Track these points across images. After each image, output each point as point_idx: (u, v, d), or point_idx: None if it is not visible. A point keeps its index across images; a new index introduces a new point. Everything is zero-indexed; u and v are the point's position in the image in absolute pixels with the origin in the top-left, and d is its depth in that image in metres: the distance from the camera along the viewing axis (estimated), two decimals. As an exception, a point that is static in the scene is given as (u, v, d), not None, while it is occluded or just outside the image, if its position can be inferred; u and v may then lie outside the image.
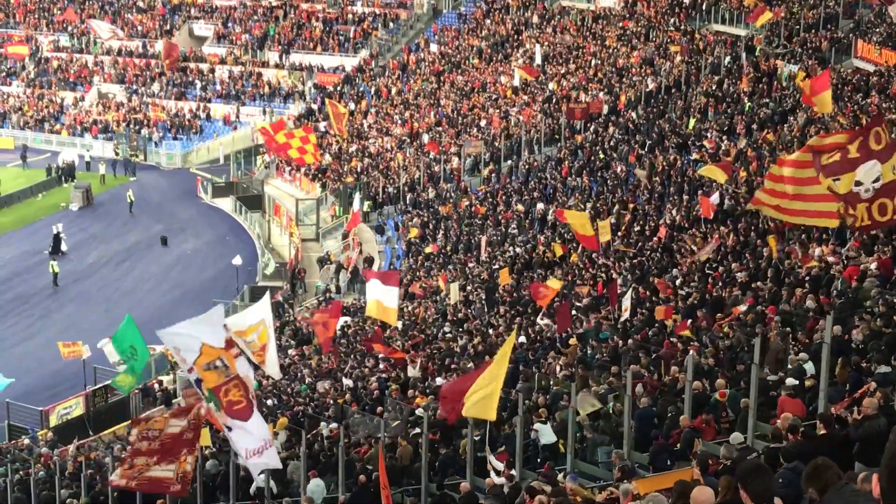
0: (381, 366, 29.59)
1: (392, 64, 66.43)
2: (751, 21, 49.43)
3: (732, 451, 13.46)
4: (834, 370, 15.70)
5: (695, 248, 29.15)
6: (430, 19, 70.95)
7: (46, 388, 37.09)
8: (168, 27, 75.58)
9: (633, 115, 46.62)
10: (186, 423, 13.85)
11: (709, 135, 39.95)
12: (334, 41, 71.44)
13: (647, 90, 48.69)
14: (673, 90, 47.94)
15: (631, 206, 36.38)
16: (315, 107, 64.38)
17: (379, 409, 25.27)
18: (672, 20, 55.93)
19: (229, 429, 13.26)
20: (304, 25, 73.21)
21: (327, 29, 72.43)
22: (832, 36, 44.98)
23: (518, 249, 38.32)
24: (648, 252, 31.22)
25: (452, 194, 47.95)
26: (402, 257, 44.43)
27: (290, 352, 35.47)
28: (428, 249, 42.62)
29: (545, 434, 18.66)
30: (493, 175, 48.34)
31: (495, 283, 34.53)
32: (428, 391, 25.28)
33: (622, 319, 25.54)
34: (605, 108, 48.81)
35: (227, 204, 57.91)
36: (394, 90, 62.85)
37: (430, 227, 45.05)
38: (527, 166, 47.00)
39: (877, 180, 13.78)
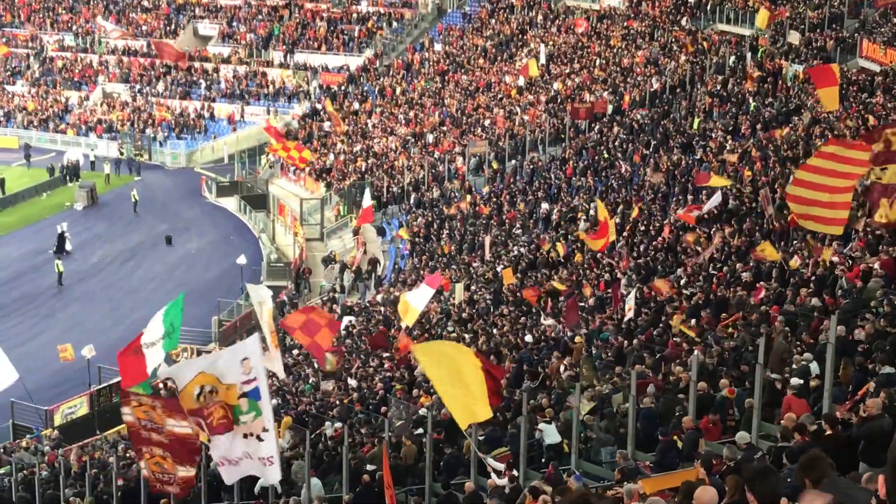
0: (386, 365, 29.58)
1: (396, 63, 66.43)
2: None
3: (736, 451, 13.44)
4: (838, 370, 15.69)
5: (699, 248, 29.13)
6: (434, 19, 70.97)
7: (51, 388, 37.10)
8: (173, 26, 75.61)
9: (638, 114, 46.59)
10: (192, 425, 13.86)
11: (713, 135, 39.93)
12: (339, 41, 71.45)
13: (652, 90, 48.66)
14: (678, 90, 47.91)
15: (636, 206, 36.35)
16: (319, 106, 64.39)
17: (383, 408, 25.26)
18: (683, 19, 55.84)
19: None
20: (309, 25, 73.22)
21: (332, 28, 72.45)
22: (837, 35, 44.92)
23: (522, 249, 38.30)
24: (653, 252, 31.19)
25: (456, 194, 47.94)
26: (407, 257, 44.43)
27: (294, 351, 35.47)
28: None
29: (549, 434, 18.66)
30: (498, 175, 48.33)
31: (501, 283, 34.52)
32: (432, 391, 25.26)
33: (626, 319, 25.51)
34: (610, 108, 48.78)
35: (231, 203, 57.95)
36: (398, 90, 62.86)
37: (435, 226, 45.05)
38: (531, 166, 46.99)
39: None
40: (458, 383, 13.43)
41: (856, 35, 44.13)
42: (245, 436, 13.18)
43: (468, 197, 46.46)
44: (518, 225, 41.60)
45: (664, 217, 34.24)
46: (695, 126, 42.26)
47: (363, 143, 57.58)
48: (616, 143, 44.32)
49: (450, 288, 36.53)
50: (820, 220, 15.48)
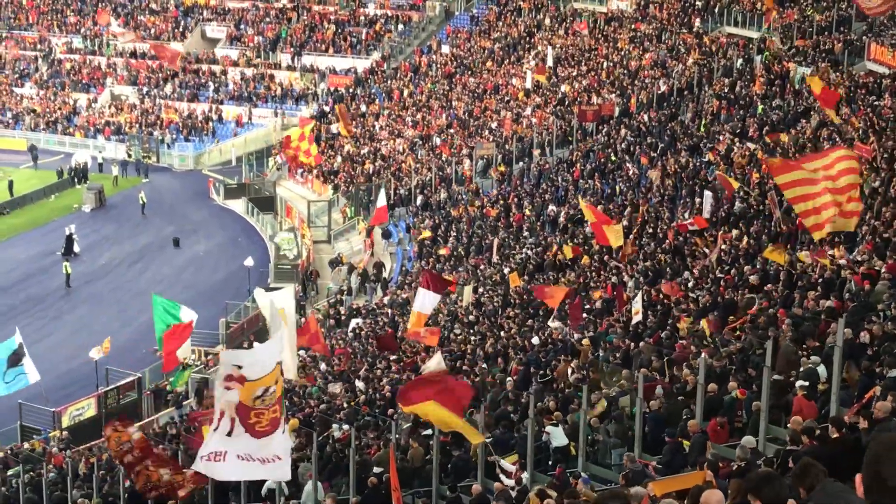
0: (393, 367, 29.62)
1: (404, 66, 66.49)
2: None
3: (747, 452, 13.45)
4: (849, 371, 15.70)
5: (706, 250, 29.13)
6: (442, 21, 70.99)
7: (59, 389, 37.16)
8: (181, 29, 75.76)
9: (645, 117, 46.58)
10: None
11: (721, 137, 39.91)
12: (346, 43, 71.52)
13: (660, 92, 48.64)
14: (685, 92, 47.89)
15: (642, 208, 36.36)
16: (327, 108, 64.45)
17: (390, 410, 25.28)
18: (697, 21, 55.79)
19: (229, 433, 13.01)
20: (317, 27, 73.29)
21: (339, 31, 72.51)
22: (845, 38, 44.87)
23: (529, 252, 38.31)
24: (660, 255, 31.18)
25: (464, 196, 47.96)
26: (415, 259, 44.45)
27: (300, 352, 35.48)
28: (441, 251, 42.62)
29: (557, 437, 18.66)
30: (505, 177, 48.33)
31: (509, 286, 34.53)
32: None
33: (633, 322, 25.51)
34: (617, 111, 48.78)
35: (239, 205, 58.03)
36: (405, 92, 62.90)
37: (442, 229, 45.07)
38: (538, 168, 46.99)
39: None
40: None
41: (864, 38, 44.08)
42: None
43: (476, 201, 46.46)
44: (525, 227, 41.60)
45: (672, 219, 34.23)
46: (702, 128, 42.25)
47: (370, 146, 57.62)
48: (623, 146, 44.31)
49: (456, 289, 36.59)
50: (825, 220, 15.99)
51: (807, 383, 16.13)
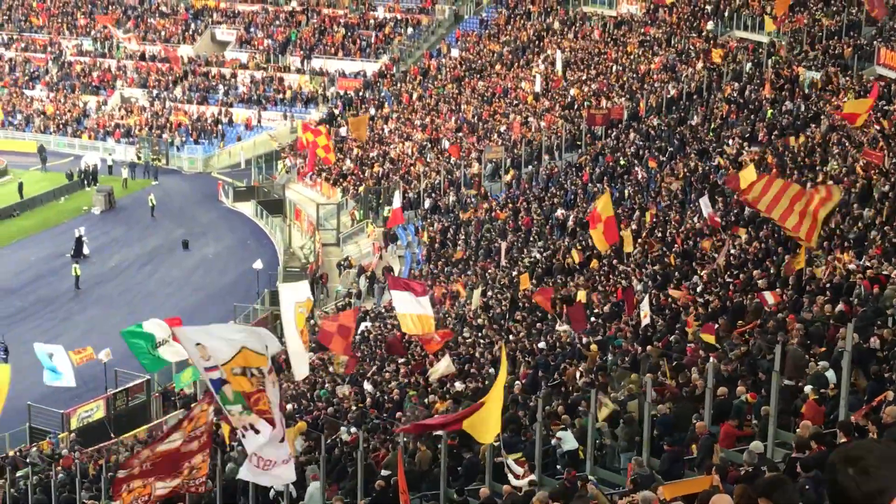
0: (402, 370, 29.62)
1: (413, 69, 66.53)
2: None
3: (754, 457, 13.43)
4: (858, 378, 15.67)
5: (715, 254, 29.08)
6: (451, 25, 71.07)
7: (67, 391, 37.22)
8: (190, 32, 75.92)
9: (655, 120, 46.56)
10: (182, 435, 13.72)
11: (730, 142, 39.87)
12: (356, 46, 71.61)
13: (669, 96, 48.62)
14: (694, 96, 47.86)
15: (650, 211, 36.33)
16: (336, 112, 64.52)
17: (398, 413, 25.29)
18: (710, 23, 55.77)
19: (255, 431, 12.85)
20: (326, 31, 73.41)
21: (349, 34, 72.62)
22: (855, 43, 44.81)
23: (538, 255, 38.30)
24: (669, 258, 31.13)
25: (472, 200, 47.96)
26: (423, 263, 44.47)
27: (310, 355, 35.50)
28: (458, 255, 42.59)
29: (567, 441, 18.65)
30: (514, 181, 48.33)
31: (517, 289, 34.51)
32: (447, 396, 25.29)
33: (642, 326, 25.48)
34: (626, 114, 48.78)
35: (248, 208, 58.12)
36: (415, 95, 62.94)
37: (451, 232, 45.08)
38: (547, 172, 46.98)
39: None
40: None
41: (874, 42, 44.00)
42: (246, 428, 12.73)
43: (484, 205, 46.46)
44: (534, 231, 41.59)
45: (681, 223, 34.19)
46: (711, 132, 42.21)
47: (379, 149, 57.67)
48: (632, 150, 44.29)
49: (465, 293, 36.59)
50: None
51: (816, 389, 16.11)
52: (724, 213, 32.43)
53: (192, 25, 76.63)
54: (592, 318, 28.45)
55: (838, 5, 49.42)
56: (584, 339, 26.31)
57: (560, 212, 41.48)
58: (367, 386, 29.33)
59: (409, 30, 71.82)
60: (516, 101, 57.12)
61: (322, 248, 50.11)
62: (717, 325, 22.57)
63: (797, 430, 14.37)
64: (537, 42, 62.95)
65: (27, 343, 41.50)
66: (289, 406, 30.04)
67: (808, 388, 16.13)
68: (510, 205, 45.12)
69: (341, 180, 55.55)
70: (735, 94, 44.95)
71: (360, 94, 66.19)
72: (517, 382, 24.34)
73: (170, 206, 59.23)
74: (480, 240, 42.87)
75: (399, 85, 65.26)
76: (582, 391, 21.69)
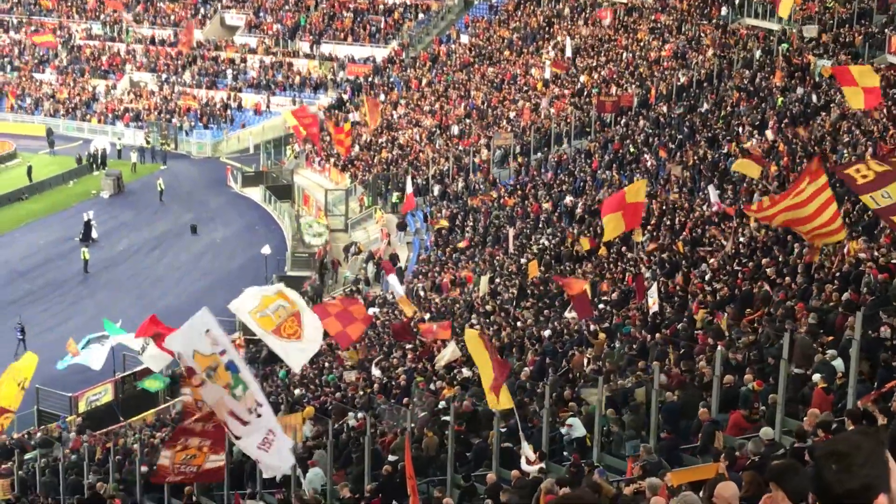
0: (409, 356, 29.66)
1: (422, 55, 66.42)
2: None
3: (760, 445, 13.43)
4: (865, 367, 15.64)
5: (724, 241, 29.03)
6: (461, 10, 70.90)
7: (76, 374, 37.32)
8: (200, 16, 75.86)
9: (664, 108, 46.45)
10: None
11: (740, 129, 39.76)
12: (365, 32, 71.49)
13: (679, 84, 48.48)
14: (704, 84, 47.72)
15: (658, 199, 36.25)
16: (346, 97, 64.45)
17: (405, 399, 25.34)
18: (723, 8, 55.53)
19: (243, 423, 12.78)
20: (336, 16, 73.28)
21: (358, 19, 72.49)
22: (866, 31, 44.62)
23: (546, 242, 38.26)
24: (678, 243, 31.07)
25: (481, 186, 47.92)
26: (431, 249, 44.45)
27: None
28: (461, 245, 42.55)
29: (577, 428, 18.66)
30: (523, 168, 48.26)
31: (525, 276, 34.49)
32: (455, 382, 25.32)
33: (650, 313, 25.46)
34: (636, 102, 48.66)
35: (256, 193, 58.13)
36: (424, 81, 62.85)
37: (459, 219, 45.05)
38: (556, 159, 46.91)
39: None
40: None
41: (885, 30, 43.80)
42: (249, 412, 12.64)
43: (493, 191, 46.40)
44: (543, 218, 41.53)
45: (690, 211, 34.12)
46: (721, 120, 42.09)
47: (388, 135, 57.61)
48: (642, 137, 44.20)
49: (473, 279, 36.57)
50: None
51: (823, 376, 16.09)
52: (732, 202, 32.36)
53: (202, 10, 76.57)
54: (601, 306, 28.44)
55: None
56: (592, 327, 26.29)
57: (569, 199, 41.42)
58: (375, 371, 29.37)
59: (419, 15, 71.67)
60: (526, 87, 57.00)
61: (331, 234, 50.09)
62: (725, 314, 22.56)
63: (804, 418, 14.37)
64: (547, 28, 62.79)
65: (35, 326, 41.71)
66: (297, 391, 30.12)
67: (816, 377, 16.11)
68: (519, 191, 45.08)
69: (350, 166, 55.51)
70: (745, 82, 44.81)
71: (370, 79, 66.09)
72: (525, 369, 24.35)
73: (178, 191, 59.26)
74: (489, 227, 42.84)
75: (408, 71, 65.16)
76: (590, 379, 21.71)
